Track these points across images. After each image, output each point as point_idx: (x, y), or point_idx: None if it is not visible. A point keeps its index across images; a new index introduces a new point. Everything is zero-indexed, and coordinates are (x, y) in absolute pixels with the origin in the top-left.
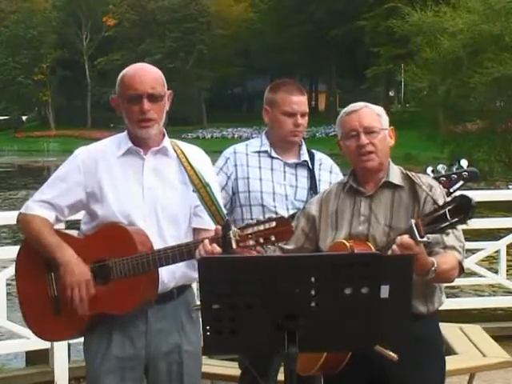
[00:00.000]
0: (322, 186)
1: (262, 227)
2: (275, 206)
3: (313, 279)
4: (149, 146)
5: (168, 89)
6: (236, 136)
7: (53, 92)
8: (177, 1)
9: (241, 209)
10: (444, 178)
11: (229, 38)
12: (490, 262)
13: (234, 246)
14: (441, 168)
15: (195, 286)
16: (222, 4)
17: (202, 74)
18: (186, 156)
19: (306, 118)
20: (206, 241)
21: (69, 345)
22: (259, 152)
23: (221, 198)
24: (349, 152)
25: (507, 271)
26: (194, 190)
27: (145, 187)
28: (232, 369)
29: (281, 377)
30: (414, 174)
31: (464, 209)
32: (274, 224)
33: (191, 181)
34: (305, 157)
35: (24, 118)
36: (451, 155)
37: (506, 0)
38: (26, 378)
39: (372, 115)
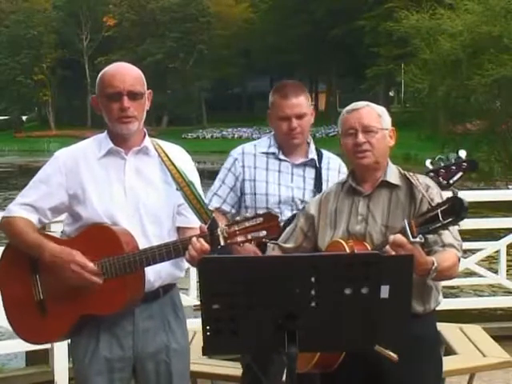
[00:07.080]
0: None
1: (249, 223)
2: (280, 209)
3: (313, 279)
4: (129, 145)
5: (148, 88)
6: (236, 136)
7: (53, 92)
8: (177, 1)
9: (246, 210)
10: (443, 170)
11: (229, 37)
12: (490, 261)
13: (222, 242)
14: (440, 160)
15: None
16: (222, 4)
17: (202, 74)
18: (167, 155)
19: (307, 118)
20: (194, 239)
21: (69, 345)
22: (267, 153)
23: (203, 195)
24: (346, 150)
25: (507, 271)
26: (177, 189)
27: (127, 187)
28: (232, 369)
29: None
30: (411, 174)
31: (456, 210)
32: (261, 220)
33: (174, 179)
34: (313, 155)
35: (24, 118)
36: None
37: (506, 1)
38: (26, 378)
39: (372, 115)
